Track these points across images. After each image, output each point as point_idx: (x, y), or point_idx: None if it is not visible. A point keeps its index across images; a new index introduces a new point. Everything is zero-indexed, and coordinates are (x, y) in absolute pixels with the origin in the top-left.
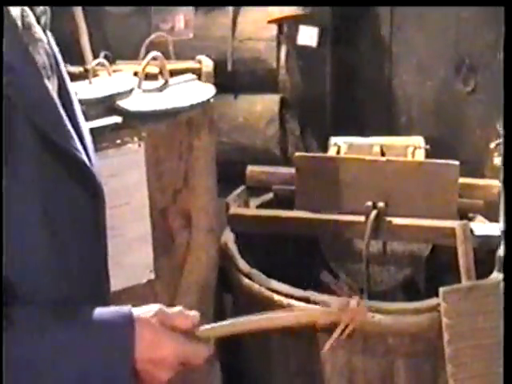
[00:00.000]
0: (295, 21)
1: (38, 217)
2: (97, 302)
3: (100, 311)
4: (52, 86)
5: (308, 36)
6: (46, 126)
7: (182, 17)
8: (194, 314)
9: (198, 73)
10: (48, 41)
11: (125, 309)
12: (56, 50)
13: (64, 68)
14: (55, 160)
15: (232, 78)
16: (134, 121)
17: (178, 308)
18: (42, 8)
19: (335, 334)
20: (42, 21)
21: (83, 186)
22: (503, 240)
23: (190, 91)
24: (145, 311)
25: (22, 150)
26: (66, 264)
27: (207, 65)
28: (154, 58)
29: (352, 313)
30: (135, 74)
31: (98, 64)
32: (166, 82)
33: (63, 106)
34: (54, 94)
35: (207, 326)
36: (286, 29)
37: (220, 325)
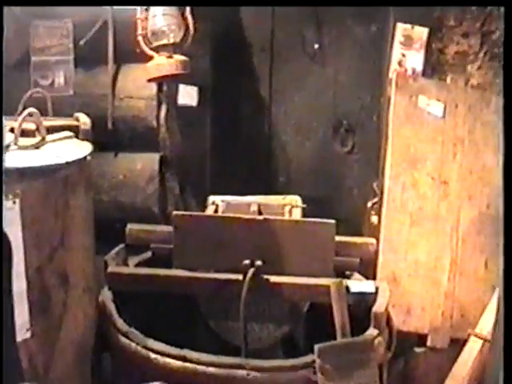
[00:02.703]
0: (175, 80)
1: None
2: None
3: None
4: None
5: (188, 95)
6: None
7: (62, 73)
8: None
9: (76, 130)
10: None
11: None
12: None
13: None
14: None
15: (112, 136)
16: (10, 177)
17: None
18: None
19: None
20: None
21: None
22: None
23: (67, 148)
24: None
25: None
26: None
27: (85, 122)
28: (30, 115)
29: None
30: (11, 130)
31: None
32: (43, 138)
33: None
34: None
35: None
36: (166, 88)
37: None
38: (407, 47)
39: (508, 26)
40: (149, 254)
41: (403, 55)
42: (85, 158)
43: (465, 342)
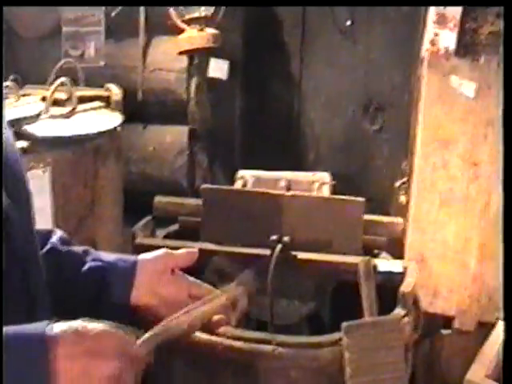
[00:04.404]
0: (206, 53)
1: None
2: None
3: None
4: None
5: (218, 69)
6: None
7: (92, 44)
8: None
9: (106, 101)
10: None
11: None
12: None
13: None
14: None
15: (142, 108)
16: (41, 146)
17: None
18: None
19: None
20: None
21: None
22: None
23: (98, 119)
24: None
25: None
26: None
27: (116, 93)
28: (63, 84)
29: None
30: (43, 99)
31: (6, 87)
32: (74, 108)
33: None
34: None
35: (143, 338)
36: (197, 61)
37: (152, 334)
38: (440, 26)
39: (508, 25)
40: (176, 226)
41: (436, 34)
42: (115, 128)
43: (492, 325)
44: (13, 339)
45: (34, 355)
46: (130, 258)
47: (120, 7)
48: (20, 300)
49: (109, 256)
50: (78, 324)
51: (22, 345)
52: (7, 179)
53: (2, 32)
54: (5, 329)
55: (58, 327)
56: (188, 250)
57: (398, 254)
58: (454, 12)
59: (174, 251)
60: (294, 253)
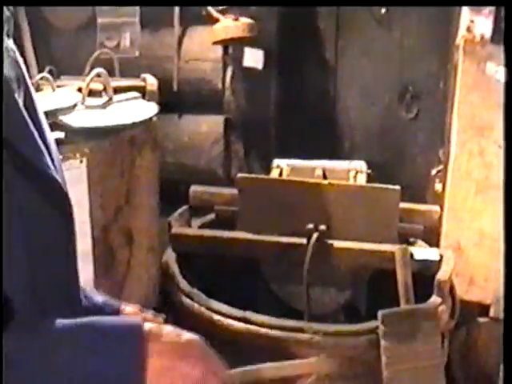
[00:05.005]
0: (241, 43)
1: (20, 238)
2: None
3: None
4: (19, 97)
5: (254, 58)
6: (21, 148)
7: (128, 34)
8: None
9: (142, 91)
10: (13, 48)
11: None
12: (20, 58)
13: (28, 76)
14: (29, 179)
15: (177, 98)
16: (77, 137)
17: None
18: (7, 14)
19: None
20: (6, 28)
21: (58, 207)
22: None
23: (134, 109)
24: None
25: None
26: (38, 282)
27: (152, 83)
28: (99, 75)
29: None
30: (79, 89)
31: (41, 78)
32: (110, 99)
33: (29, 116)
34: (22, 107)
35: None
36: (232, 50)
37: (246, 370)
38: (476, 13)
39: (508, 25)
40: (212, 215)
41: (472, 21)
42: (151, 118)
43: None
44: (109, 327)
45: (129, 344)
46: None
47: None
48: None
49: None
50: (170, 327)
51: (118, 334)
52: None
53: (2, 32)
54: (95, 318)
55: (152, 325)
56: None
57: (434, 242)
58: None
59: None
60: (330, 241)
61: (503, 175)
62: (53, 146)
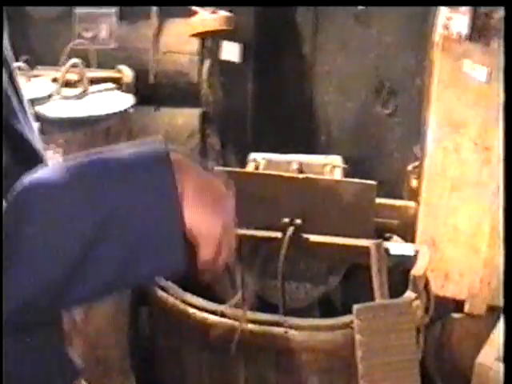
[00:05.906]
0: (218, 36)
1: None
2: None
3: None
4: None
5: (231, 51)
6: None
7: (105, 26)
8: None
9: (118, 82)
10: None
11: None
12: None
13: (13, 62)
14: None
15: (154, 91)
16: (52, 127)
17: None
18: None
19: None
20: None
21: None
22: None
23: (109, 100)
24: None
25: None
26: None
27: (128, 75)
28: (74, 66)
29: None
30: (54, 80)
31: (17, 68)
32: (86, 89)
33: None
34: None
35: None
36: (209, 43)
37: None
38: (453, 10)
39: (508, 25)
40: None
41: (449, 18)
42: (126, 110)
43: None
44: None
45: (160, 170)
46: None
47: None
48: None
49: None
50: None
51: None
52: None
53: (2, 32)
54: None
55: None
56: None
57: (409, 237)
58: None
59: None
60: (305, 235)
61: (503, 175)
62: (36, 133)
